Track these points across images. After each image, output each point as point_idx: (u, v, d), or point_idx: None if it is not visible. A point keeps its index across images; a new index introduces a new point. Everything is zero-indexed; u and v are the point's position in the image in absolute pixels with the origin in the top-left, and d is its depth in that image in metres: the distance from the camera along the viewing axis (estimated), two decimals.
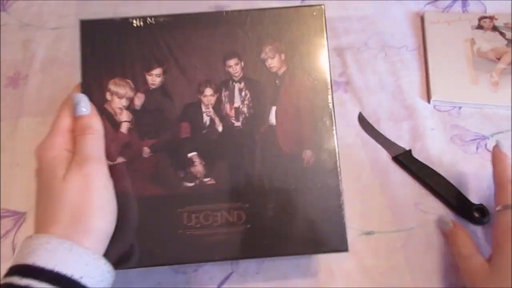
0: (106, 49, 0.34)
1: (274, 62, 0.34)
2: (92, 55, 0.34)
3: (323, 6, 0.35)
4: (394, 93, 0.54)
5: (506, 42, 0.55)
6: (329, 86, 0.34)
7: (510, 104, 0.50)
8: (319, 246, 0.32)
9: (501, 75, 0.52)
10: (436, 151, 0.48)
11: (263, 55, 0.34)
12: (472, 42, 0.55)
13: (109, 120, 0.33)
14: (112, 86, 0.33)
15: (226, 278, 0.41)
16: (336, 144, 0.33)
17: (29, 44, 0.61)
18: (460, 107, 0.52)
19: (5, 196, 0.46)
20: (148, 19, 0.35)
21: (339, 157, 0.33)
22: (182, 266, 0.41)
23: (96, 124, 0.32)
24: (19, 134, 0.51)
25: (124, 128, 0.33)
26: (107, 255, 0.30)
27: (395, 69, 0.56)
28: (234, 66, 0.33)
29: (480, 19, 0.57)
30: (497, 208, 0.36)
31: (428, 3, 0.65)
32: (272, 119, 0.33)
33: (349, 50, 0.58)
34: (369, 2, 0.65)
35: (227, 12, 0.34)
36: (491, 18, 0.57)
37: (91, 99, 0.33)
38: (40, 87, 0.56)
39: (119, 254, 0.31)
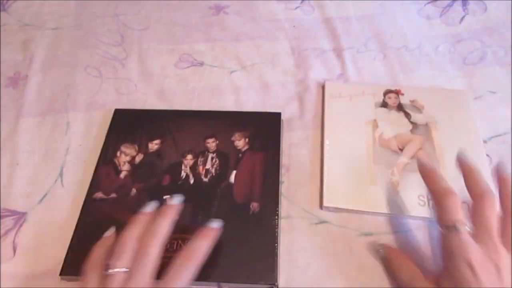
0: (126, 125, 0.49)
1: (240, 143, 0.47)
2: (115, 127, 0.49)
3: (280, 113, 0.49)
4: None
5: (411, 126, 0.48)
6: (280, 159, 0.46)
7: (409, 214, 0.42)
8: (251, 278, 0.38)
9: (403, 173, 0.44)
10: None
11: (233, 138, 0.47)
12: (375, 125, 0.48)
13: (114, 168, 0.46)
14: (123, 148, 0.47)
15: None
16: (279, 199, 0.43)
17: (29, 44, 0.61)
18: None
19: (5, 196, 0.46)
20: (161, 111, 0.51)
21: (280, 207, 0.43)
22: None
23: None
24: (19, 134, 0.51)
25: (122, 175, 0.45)
26: (82, 262, 0.36)
27: (394, 71, 0.56)
28: (211, 143, 0.47)
29: (386, 93, 0.51)
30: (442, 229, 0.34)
31: (428, 3, 0.65)
32: (232, 179, 0.44)
33: (348, 51, 0.59)
34: (369, 2, 0.65)
35: (210, 111, 0.51)
36: (397, 92, 0.51)
37: (107, 154, 0.47)
38: (40, 87, 0.56)
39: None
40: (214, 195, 0.43)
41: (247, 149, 0.47)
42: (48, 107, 0.53)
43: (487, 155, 0.47)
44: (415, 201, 0.42)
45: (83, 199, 0.43)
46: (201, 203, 0.42)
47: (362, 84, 0.53)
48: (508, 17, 0.61)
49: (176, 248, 0.39)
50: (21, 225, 0.44)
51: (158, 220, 0.36)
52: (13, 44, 0.61)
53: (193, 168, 0.45)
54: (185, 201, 0.40)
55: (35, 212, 0.45)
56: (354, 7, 0.64)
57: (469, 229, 0.33)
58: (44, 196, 0.46)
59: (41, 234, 0.43)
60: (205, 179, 0.44)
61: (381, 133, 0.47)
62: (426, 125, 0.48)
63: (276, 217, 0.41)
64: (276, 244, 0.40)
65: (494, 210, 0.34)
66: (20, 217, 0.44)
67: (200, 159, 0.46)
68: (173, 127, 0.49)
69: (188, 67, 0.58)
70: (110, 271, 0.33)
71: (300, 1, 0.66)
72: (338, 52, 0.58)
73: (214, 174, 0.45)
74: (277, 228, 0.41)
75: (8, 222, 0.44)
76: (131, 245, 0.35)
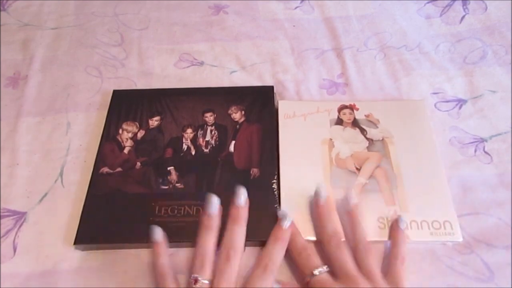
0: (125, 104, 0.51)
1: (236, 116, 0.49)
2: (116, 106, 0.51)
3: (273, 86, 0.52)
4: (393, 95, 0.53)
5: (367, 143, 0.47)
6: (274, 128, 0.48)
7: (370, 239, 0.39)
8: (258, 235, 0.40)
9: (361, 195, 0.42)
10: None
11: (229, 111, 0.50)
12: (331, 144, 0.47)
13: (118, 145, 0.48)
14: (124, 125, 0.49)
15: None
16: (276, 163, 0.45)
17: (29, 44, 0.61)
18: (460, 106, 0.52)
19: (5, 196, 0.46)
20: (158, 90, 0.53)
21: (278, 171, 0.45)
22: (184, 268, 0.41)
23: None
24: (19, 134, 0.51)
25: (126, 150, 0.47)
26: (94, 231, 0.41)
27: (394, 69, 0.56)
28: (209, 117, 0.50)
29: (340, 109, 0.50)
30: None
31: (427, 2, 0.65)
32: (231, 148, 0.47)
33: (348, 50, 0.58)
34: (369, 2, 0.65)
35: (205, 88, 0.53)
36: (352, 107, 0.50)
37: (109, 133, 0.48)
38: (40, 87, 0.56)
39: (106, 230, 0.41)
40: (215, 164, 0.46)
41: (243, 121, 0.49)
42: (48, 107, 0.54)
43: (488, 153, 0.47)
44: (375, 224, 0.41)
45: (83, 199, 0.43)
46: (204, 172, 0.45)
47: (316, 100, 0.52)
48: (508, 17, 0.61)
49: (183, 214, 0.42)
50: (21, 225, 0.44)
51: (233, 229, 0.39)
52: (13, 44, 0.61)
53: (194, 140, 0.48)
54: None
55: (35, 212, 0.45)
56: (354, 7, 0.64)
57: (326, 269, 0.36)
58: (44, 196, 0.46)
59: (41, 234, 0.43)
60: (206, 150, 0.47)
61: (337, 152, 0.46)
62: (383, 140, 0.47)
63: (275, 180, 0.44)
64: (277, 205, 0.42)
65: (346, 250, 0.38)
66: (20, 217, 0.44)
67: (200, 132, 0.48)
68: (171, 104, 0.51)
69: (188, 66, 0.58)
70: (198, 285, 0.35)
71: (300, 1, 0.66)
72: (338, 52, 0.58)
73: (214, 145, 0.47)
74: (277, 189, 0.43)
75: (8, 222, 0.44)
76: (211, 256, 0.37)
